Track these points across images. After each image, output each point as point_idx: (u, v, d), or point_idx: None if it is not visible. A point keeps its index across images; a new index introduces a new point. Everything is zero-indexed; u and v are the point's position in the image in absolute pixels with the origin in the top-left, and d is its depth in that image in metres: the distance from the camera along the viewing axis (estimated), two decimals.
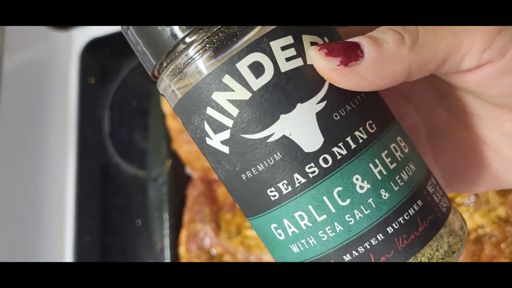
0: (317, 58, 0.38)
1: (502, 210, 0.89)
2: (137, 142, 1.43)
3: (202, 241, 1.07)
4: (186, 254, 1.08)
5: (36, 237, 1.34)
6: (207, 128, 0.40)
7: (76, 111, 1.48)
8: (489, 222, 0.89)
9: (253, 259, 1.01)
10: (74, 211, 1.40)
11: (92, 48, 1.52)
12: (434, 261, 0.41)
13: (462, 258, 0.89)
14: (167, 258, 1.12)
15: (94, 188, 1.42)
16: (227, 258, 1.05)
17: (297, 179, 0.38)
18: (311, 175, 0.38)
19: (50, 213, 1.39)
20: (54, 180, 1.41)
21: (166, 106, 1.16)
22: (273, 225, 0.41)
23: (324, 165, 0.37)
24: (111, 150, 1.44)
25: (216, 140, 0.40)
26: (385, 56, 0.38)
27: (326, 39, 0.40)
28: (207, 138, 0.40)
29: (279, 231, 0.41)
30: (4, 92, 1.31)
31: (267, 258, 1.00)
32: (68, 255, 1.36)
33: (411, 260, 0.41)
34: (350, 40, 0.39)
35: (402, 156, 0.40)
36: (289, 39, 0.38)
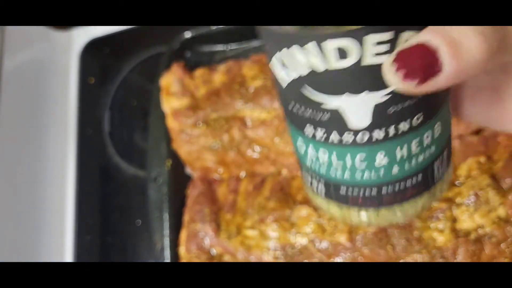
0: (395, 82, 0.37)
1: (502, 210, 0.89)
2: (137, 142, 1.44)
3: (202, 241, 1.08)
4: (186, 254, 1.09)
5: (36, 237, 1.34)
6: (275, 61, 0.42)
7: (76, 111, 1.48)
8: (489, 222, 0.90)
9: (253, 259, 1.02)
10: (74, 211, 1.40)
11: (92, 48, 1.53)
12: (403, 213, 0.47)
13: (462, 258, 0.90)
14: (167, 258, 1.12)
15: (94, 188, 1.43)
16: (227, 258, 1.06)
17: (332, 138, 0.43)
18: (344, 141, 0.42)
19: (50, 213, 1.39)
20: (54, 180, 1.42)
21: (166, 106, 1.17)
22: (299, 140, 0.46)
23: (358, 140, 0.42)
24: (111, 150, 1.45)
25: (279, 73, 0.42)
26: (465, 66, 0.37)
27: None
28: (272, 65, 0.43)
29: (302, 147, 0.46)
30: (4, 92, 1.32)
31: (267, 258, 1.00)
32: (68, 255, 1.36)
33: (385, 208, 0.47)
34: (427, 43, 0.36)
35: (429, 142, 0.43)
36: (387, 35, 0.38)
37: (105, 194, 1.42)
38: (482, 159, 0.95)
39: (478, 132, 1.02)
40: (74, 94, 1.50)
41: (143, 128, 1.43)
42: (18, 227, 1.30)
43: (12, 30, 1.38)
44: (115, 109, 1.49)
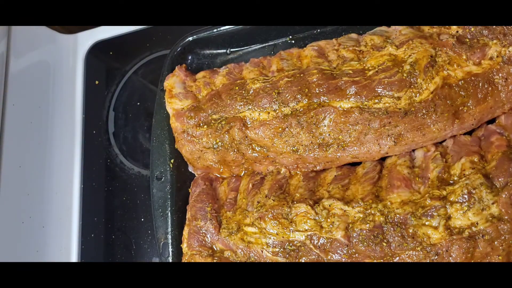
0: None
1: (496, 209, 0.90)
2: (140, 142, 1.46)
3: (203, 238, 1.09)
4: (188, 250, 1.11)
5: (43, 234, 1.37)
6: None
7: (82, 112, 1.51)
8: (482, 220, 0.91)
9: (253, 255, 1.04)
10: (79, 208, 1.43)
11: (97, 51, 1.55)
12: None
13: (456, 255, 0.91)
14: (170, 255, 1.15)
15: (99, 187, 1.45)
16: (228, 255, 1.07)
17: None
18: None
19: (56, 210, 1.42)
20: (60, 178, 1.45)
21: (169, 107, 1.18)
22: None
23: None
24: (115, 149, 1.47)
25: None
26: None
27: None
28: None
29: None
30: (9, 93, 1.34)
31: (266, 254, 1.03)
32: (73, 252, 1.39)
33: None
34: None
35: None
36: None
37: (110, 193, 1.45)
38: (476, 158, 0.97)
39: (471, 132, 1.05)
40: (79, 95, 1.52)
41: (147, 128, 1.46)
42: (26, 225, 1.32)
43: (18, 33, 1.40)
44: (119, 109, 1.52)
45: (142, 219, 1.38)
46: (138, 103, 1.49)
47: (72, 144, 1.48)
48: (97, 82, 1.54)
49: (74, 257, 1.39)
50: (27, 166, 1.36)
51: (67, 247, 1.40)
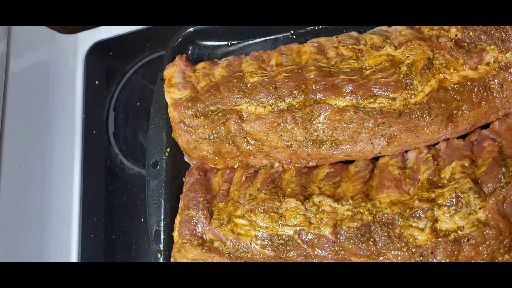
0: None
1: (482, 214, 0.91)
2: (141, 142, 1.47)
3: (194, 227, 1.10)
4: (179, 238, 1.12)
5: (43, 234, 1.39)
6: None
7: (82, 112, 1.53)
8: (469, 224, 0.91)
9: (241, 247, 1.04)
10: (80, 209, 1.45)
11: (97, 51, 1.58)
12: None
13: (441, 258, 0.91)
14: (162, 242, 1.16)
15: (99, 187, 1.46)
16: (217, 245, 1.08)
17: None
18: None
19: (57, 211, 1.44)
20: (60, 179, 1.46)
21: (168, 97, 1.19)
22: None
23: None
24: (115, 149, 1.48)
25: None
26: None
27: None
28: None
29: None
30: (9, 93, 1.35)
31: (255, 247, 1.03)
32: (74, 252, 1.41)
33: None
34: None
35: None
36: None
37: (110, 193, 1.46)
38: (467, 163, 0.97)
39: (465, 136, 1.05)
40: (79, 95, 1.54)
41: (147, 128, 1.46)
42: (26, 224, 1.33)
43: (18, 33, 1.42)
44: (119, 109, 1.54)
45: (142, 219, 1.38)
46: (138, 103, 1.51)
47: (72, 144, 1.49)
48: (97, 82, 1.55)
49: (74, 257, 1.40)
50: (27, 166, 1.37)
51: (67, 247, 1.41)
